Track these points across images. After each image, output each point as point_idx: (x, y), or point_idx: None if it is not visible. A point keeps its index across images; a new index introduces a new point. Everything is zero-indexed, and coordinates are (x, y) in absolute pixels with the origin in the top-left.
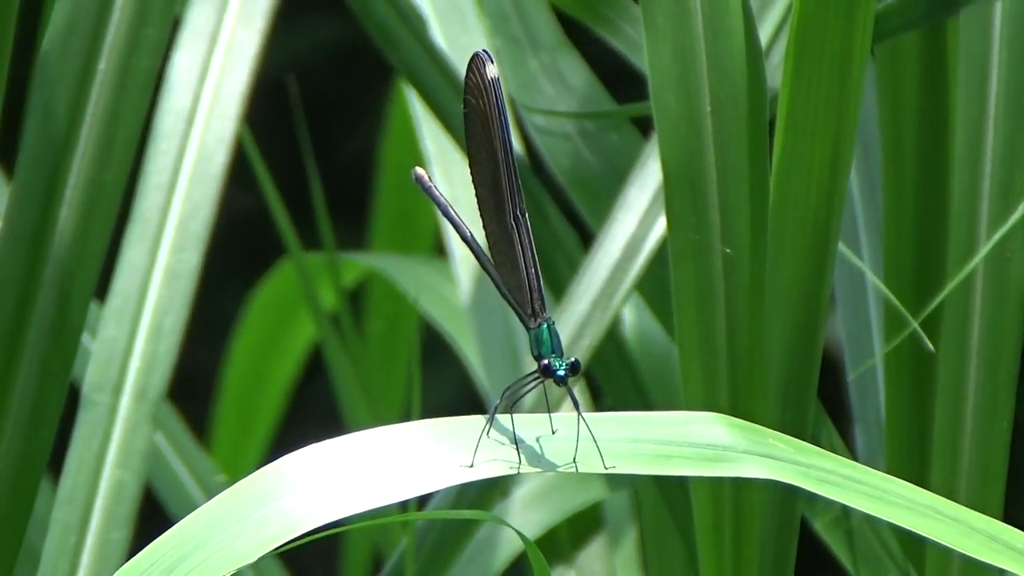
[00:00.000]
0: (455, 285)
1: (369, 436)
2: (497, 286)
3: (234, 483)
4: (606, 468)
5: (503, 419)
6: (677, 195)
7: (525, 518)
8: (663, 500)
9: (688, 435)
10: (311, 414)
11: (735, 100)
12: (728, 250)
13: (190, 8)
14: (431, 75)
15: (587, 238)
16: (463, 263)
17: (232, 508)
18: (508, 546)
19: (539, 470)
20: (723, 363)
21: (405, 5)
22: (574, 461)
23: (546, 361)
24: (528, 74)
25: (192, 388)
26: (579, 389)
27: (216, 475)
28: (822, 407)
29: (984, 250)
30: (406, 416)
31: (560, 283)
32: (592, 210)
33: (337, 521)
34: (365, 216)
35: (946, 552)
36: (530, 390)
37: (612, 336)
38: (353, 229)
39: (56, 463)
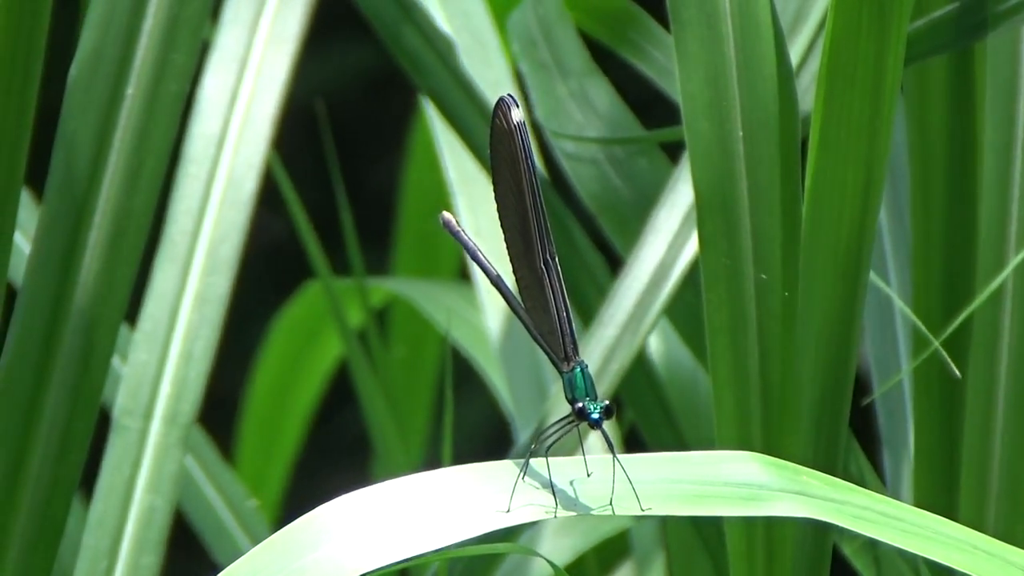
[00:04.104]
0: (480, 311)
1: (404, 483)
2: (528, 330)
3: (262, 507)
4: (642, 510)
5: (538, 463)
6: (709, 220)
7: (554, 544)
8: (693, 526)
9: (723, 474)
10: (335, 438)
11: (767, 125)
12: (764, 276)
13: (220, 33)
14: (458, 101)
15: (615, 263)
16: (488, 292)
17: (271, 559)
18: (537, 573)
19: (575, 513)
20: (755, 389)
21: (432, 31)
22: (610, 503)
23: (580, 404)
24: (556, 100)
25: (220, 410)
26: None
27: (247, 500)
28: (851, 432)
29: (1012, 264)
30: (432, 442)
31: (589, 308)
32: (621, 235)
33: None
34: (389, 241)
35: None
36: (565, 434)
37: (640, 361)
38: (377, 254)
39: (88, 486)
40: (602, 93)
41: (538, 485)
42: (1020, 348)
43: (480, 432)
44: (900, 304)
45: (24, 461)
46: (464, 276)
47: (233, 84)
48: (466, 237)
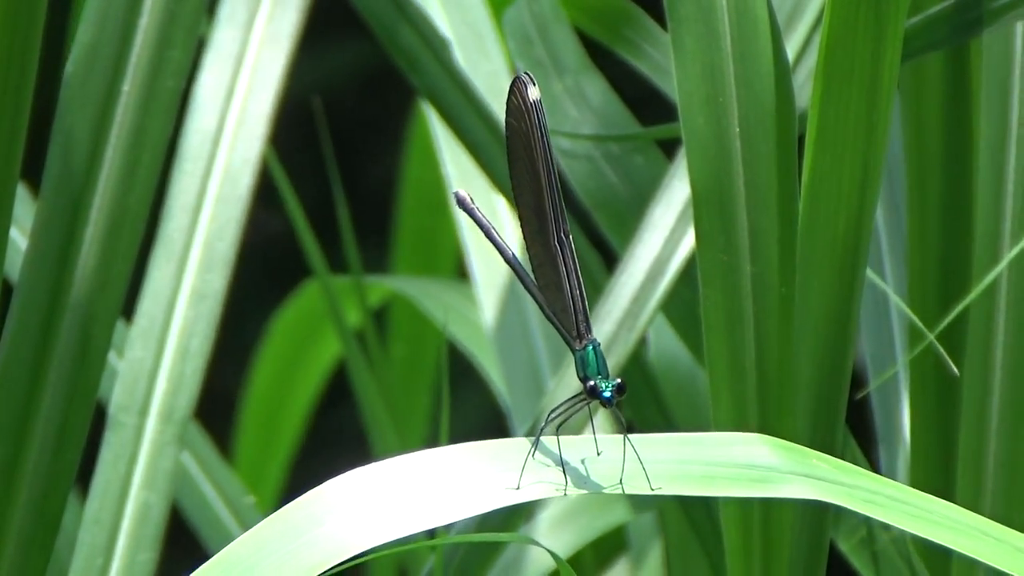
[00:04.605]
0: (479, 307)
1: (413, 459)
2: (541, 308)
3: (260, 504)
4: (652, 489)
5: (548, 441)
6: (706, 216)
7: (550, 540)
8: (688, 522)
9: (733, 456)
10: (333, 436)
11: (764, 121)
12: (758, 270)
13: (216, 29)
14: (454, 98)
15: (611, 260)
16: (486, 287)
17: (276, 534)
18: (532, 568)
19: (585, 491)
20: (752, 384)
21: (427, 29)
22: (620, 482)
23: (592, 383)
24: (552, 97)
25: (218, 407)
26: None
27: (244, 496)
28: (846, 427)
29: (1006, 259)
30: (430, 438)
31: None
32: (616, 232)
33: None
34: (386, 238)
35: (974, 570)
36: (576, 412)
37: (637, 357)
38: (376, 251)
39: (84, 482)
40: (598, 90)
41: (548, 463)
42: (1015, 343)
43: (479, 432)
44: (896, 300)
45: (21, 457)
46: (463, 274)
47: (229, 81)
48: (480, 215)
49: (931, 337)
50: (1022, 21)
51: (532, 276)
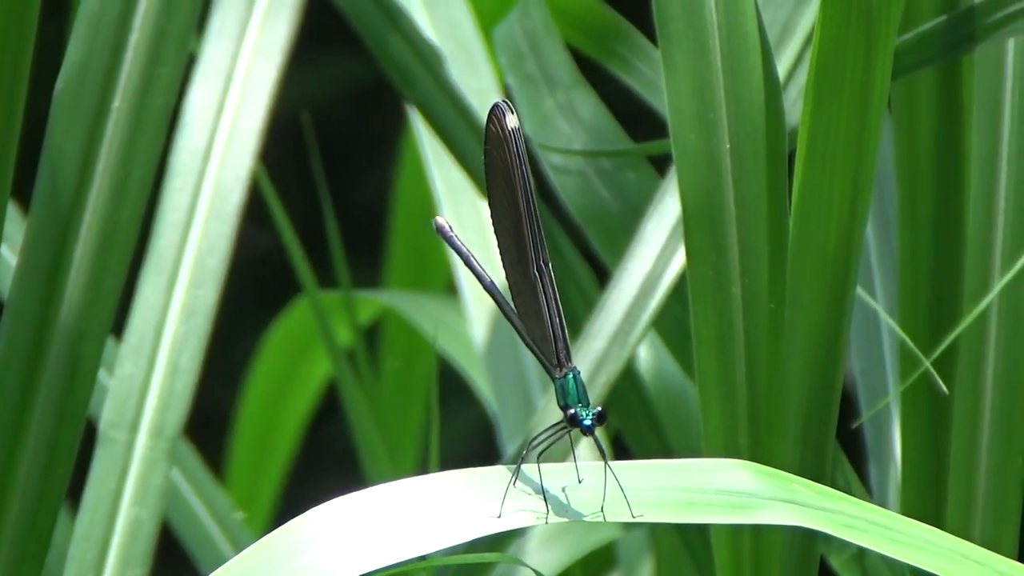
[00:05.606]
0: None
1: (395, 487)
2: (521, 336)
3: (253, 522)
4: (633, 517)
5: (529, 469)
6: (696, 233)
7: (541, 557)
8: (680, 539)
9: (714, 482)
10: (326, 452)
11: (754, 137)
12: (744, 284)
13: (205, 45)
14: (446, 112)
15: (602, 276)
16: (476, 303)
17: (259, 562)
18: None
19: (566, 519)
20: (742, 401)
21: (421, 43)
22: (601, 510)
23: (572, 411)
24: (544, 113)
25: (209, 425)
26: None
27: (233, 513)
28: (837, 444)
29: (999, 287)
30: (423, 455)
31: (577, 321)
32: (608, 248)
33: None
34: (380, 254)
35: None
36: (556, 440)
37: (628, 373)
38: (368, 267)
39: (74, 498)
40: (589, 106)
41: (529, 491)
42: (1007, 360)
43: (471, 446)
44: (887, 319)
45: (11, 473)
46: (455, 288)
47: (219, 97)
48: (459, 243)
49: (927, 363)
50: (1014, 38)
51: (512, 304)
